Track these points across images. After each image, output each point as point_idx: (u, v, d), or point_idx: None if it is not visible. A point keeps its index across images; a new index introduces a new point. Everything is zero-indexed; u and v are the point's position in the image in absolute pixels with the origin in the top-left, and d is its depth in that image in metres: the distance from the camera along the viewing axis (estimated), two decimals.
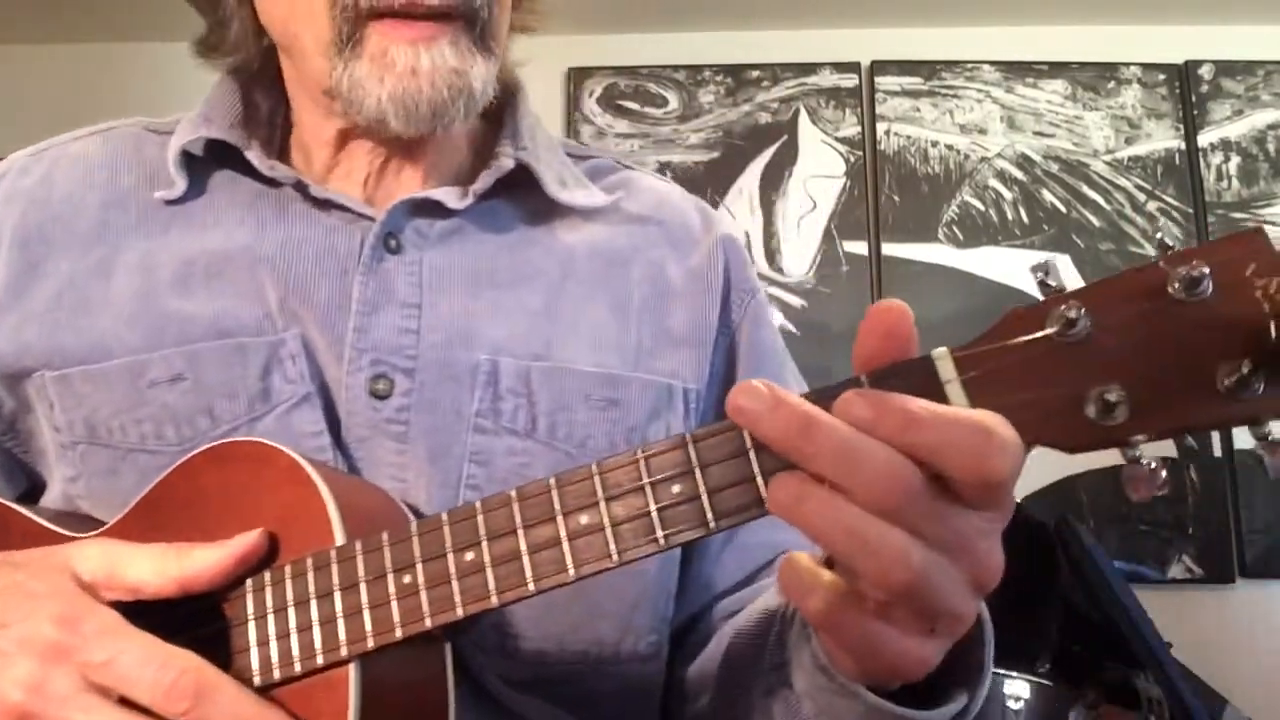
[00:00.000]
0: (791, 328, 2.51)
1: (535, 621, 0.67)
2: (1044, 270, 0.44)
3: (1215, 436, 2.40)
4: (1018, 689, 1.68)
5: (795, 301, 2.53)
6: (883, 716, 0.51)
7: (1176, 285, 0.41)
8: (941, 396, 0.43)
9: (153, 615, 0.55)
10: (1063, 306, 0.42)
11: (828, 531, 0.41)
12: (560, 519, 0.49)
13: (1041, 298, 0.44)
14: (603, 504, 0.48)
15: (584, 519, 0.49)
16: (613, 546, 0.48)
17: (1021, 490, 2.46)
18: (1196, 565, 2.37)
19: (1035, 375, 0.43)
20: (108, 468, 0.67)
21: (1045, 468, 2.38)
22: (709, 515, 0.46)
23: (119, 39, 2.66)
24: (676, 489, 0.47)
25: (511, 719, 0.66)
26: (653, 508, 0.47)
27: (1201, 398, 0.41)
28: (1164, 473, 0.43)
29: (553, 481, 0.50)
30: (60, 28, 2.64)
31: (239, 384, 0.67)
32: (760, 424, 0.42)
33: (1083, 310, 0.42)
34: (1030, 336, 0.43)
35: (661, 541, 0.47)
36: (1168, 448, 2.41)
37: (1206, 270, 0.41)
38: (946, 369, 0.44)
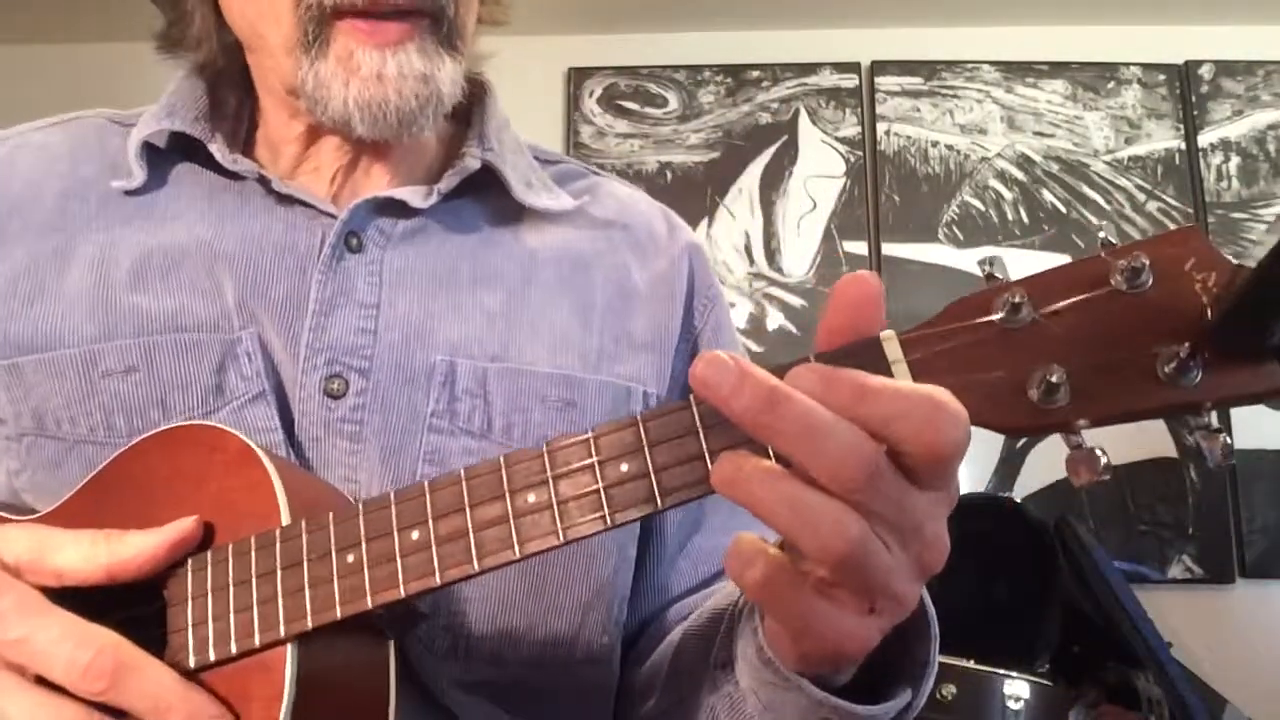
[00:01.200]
0: (792, 328, 2.51)
1: (490, 621, 0.66)
2: (990, 263, 0.46)
3: None
4: (1018, 689, 1.68)
5: (795, 301, 2.53)
6: (824, 710, 0.51)
7: (1118, 277, 0.43)
8: (888, 376, 0.44)
9: (87, 594, 0.54)
10: (1007, 294, 0.44)
11: (768, 504, 0.41)
12: (508, 497, 0.48)
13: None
14: (550, 482, 0.48)
15: (531, 497, 0.48)
16: (559, 524, 0.47)
17: (1021, 490, 2.45)
18: (1196, 565, 2.37)
19: (979, 358, 0.44)
20: (53, 460, 0.66)
21: (1045, 468, 2.39)
22: (656, 493, 0.46)
23: (119, 39, 2.66)
24: (625, 467, 0.46)
25: None
26: (600, 485, 0.47)
27: (1142, 384, 0.42)
28: (1105, 459, 0.43)
29: (502, 460, 0.49)
30: (60, 28, 2.64)
31: (193, 378, 0.66)
32: (725, 398, 0.41)
33: (1026, 297, 0.43)
34: (975, 321, 0.44)
35: (608, 519, 0.46)
36: (1169, 448, 2.41)
37: (1147, 262, 0.42)
38: (893, 350, 0.44)
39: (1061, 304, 0.43)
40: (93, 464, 0.63)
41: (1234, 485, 2.39)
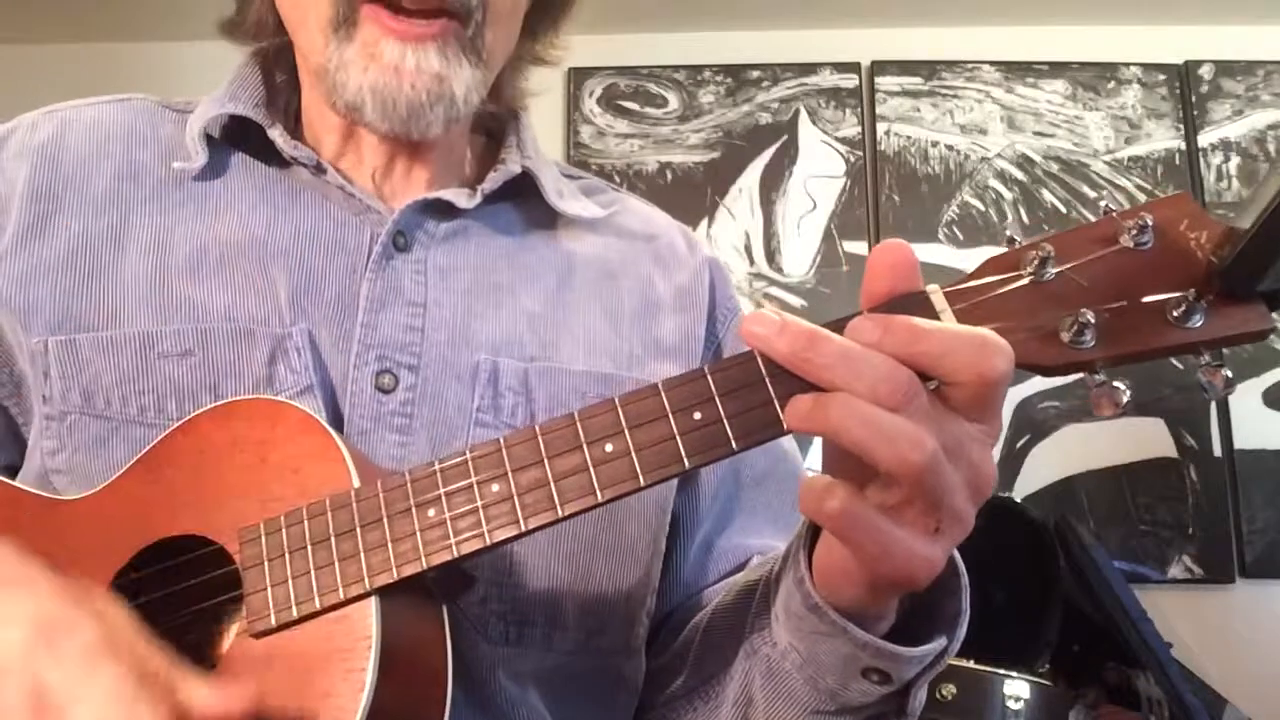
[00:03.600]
0: None
1: (542, 609, 0.69)
2: (1008, 228, 0.53)
3: (1215, 436, 2.40)
4: (1018, 689, 1.68)
5: (795, 301, 2.54)
6: (866, 655, 0.53)
7: (1127, 235, 0.49)
8: None
9: (163, 555, 0.55)
10: (1035, 251, 0.49)
11: (847, 425, 0.45)
12: (585, 448, 0.51)
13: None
14: (627, 432, 0.50)
15: (609, 447, 0.51)
16: (639, 468, 0.50)
17: (1021, 490, 2.44)
18: (1196, 565, 2.37)
19: (1016, 306, 0.49)
20: (97, 439, 0.66)
21: (1045, 468, 2.38)
22: (731, 437, 0.49)
23: (119, 39, 2.66)
24: (698, 415, 0.49)
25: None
26: (676, 433, 0.50)
27: (1156, 326, 0.48)
28: (1127, 394, 0.49)
29: (576, 415, 0.52)
30: (60, 28, 2.64)
31: (245, 367, 0.68)
32: (771, 343, 0.46)
33: (1052, 253, 0.49)
34: (1009, 274, 0.50)
35: (686, 463, 0.49)
36: (1169, 448, 2.41)
37: (1150, 222, 0.49)
38: (940, 301, 0.49)
39: (1082, 259, 0.49)
40: (138, 445, 0.64)
41: (1234, 485, 2.39)
